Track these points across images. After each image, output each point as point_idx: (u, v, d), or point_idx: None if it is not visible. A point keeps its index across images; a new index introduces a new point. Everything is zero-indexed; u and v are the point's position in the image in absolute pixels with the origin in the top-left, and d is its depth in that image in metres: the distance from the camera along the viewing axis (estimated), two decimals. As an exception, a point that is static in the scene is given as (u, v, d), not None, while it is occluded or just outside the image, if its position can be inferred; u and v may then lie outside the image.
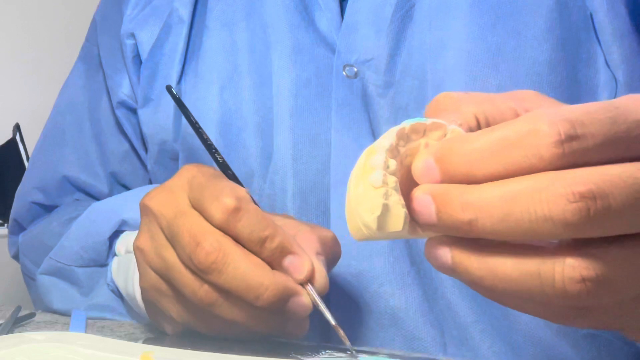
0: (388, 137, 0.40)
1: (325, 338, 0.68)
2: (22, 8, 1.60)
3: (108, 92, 0.81)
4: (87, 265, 0.72)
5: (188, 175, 0.55)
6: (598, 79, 0.65)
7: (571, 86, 0.65)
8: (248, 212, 0.52)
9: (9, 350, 0.51)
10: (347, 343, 0.53)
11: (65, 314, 0.72)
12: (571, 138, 0.35)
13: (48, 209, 0.84)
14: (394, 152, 0.39)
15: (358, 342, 0.66)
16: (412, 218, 0.39)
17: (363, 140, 0.67)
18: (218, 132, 0.72)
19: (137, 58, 0.78)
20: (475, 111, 0.41)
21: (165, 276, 0.55)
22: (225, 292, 0.52)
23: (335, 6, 0.70)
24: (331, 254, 0.58)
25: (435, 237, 0.39)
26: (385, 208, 0.38)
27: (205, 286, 0.52)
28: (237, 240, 0.52)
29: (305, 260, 0.53)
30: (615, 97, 0.64)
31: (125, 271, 0.67)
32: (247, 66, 0.72)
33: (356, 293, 0.66)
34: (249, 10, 0.74)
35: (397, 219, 0.39)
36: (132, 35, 0.77)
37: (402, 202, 0.39)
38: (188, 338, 0.57)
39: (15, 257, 0.85)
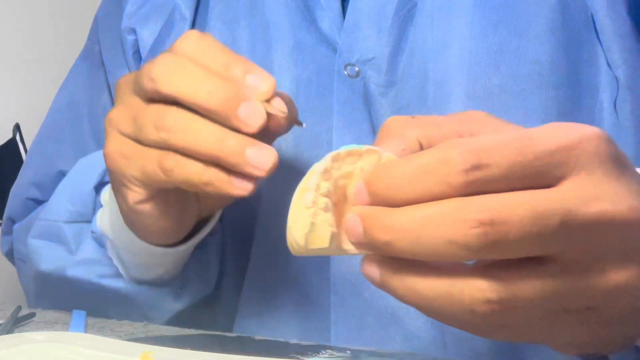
0: (324, 161, 0.43)
1: (325, 338, 0.68)
2: (22, 8, 1.60)
3: (109, 89, 0.81)
4: (74, 221, 0.71)
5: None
6: (599, 79, 0.65)
7: (572, 86, 0.65)
8: (210, 40, 0.55)
9: (9, 350, 0.52)
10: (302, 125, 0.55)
11: (52, 274, 0.71)
12: (476, 167, 0.38)
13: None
14: (327, 174, 0.43)
15: (358, 341, 0.66)
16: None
17: (364, 140, 0.67)
18: None
19: (138, 54, 0.78)
20: (419, 135, 0.45)
21: (130, 130, 0.55)
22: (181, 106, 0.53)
23: (337, 5, 0.70)
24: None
25: (368, 254, 0.42)
26: (313, 227, 0.42)
27: (165, 113, 0.53)
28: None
29: (269, 77, 0.54)
30: (616, 97, 0.64)
31: (109, 208, 0.67)
32: (248, 65, 0.72)
33: (356, 291, 0.66)
34: (250, 9, 0.73)
35: (323, 237, 0.42)
36: (133, 31, 0.77)
37: (331, 222, 0.43)
38: (188, 338, 0.57)
39: (8, 254, 0.84)
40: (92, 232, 0.70)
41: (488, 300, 0.39)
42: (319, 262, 0.67)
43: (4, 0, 1.59)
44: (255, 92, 0.53)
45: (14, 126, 1.81)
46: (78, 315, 0.64)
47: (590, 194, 0.40)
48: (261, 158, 0.51)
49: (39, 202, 0.81)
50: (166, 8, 0.76)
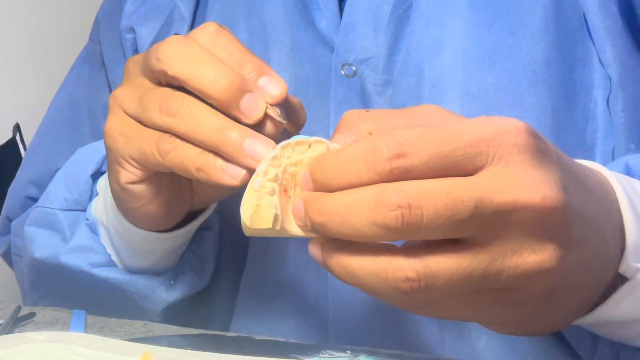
0: (275, 150, 0.48)
1: (323, 335, 0.68)
2: (22, 8, 1.60)
3: (110, 89, 0.81)
4: (70, 209, 0.72)
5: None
6: (593, 77, 0.65)
7: (567, 84, 0.65)
8: (228, 35, 0.55)
9: (9, 350, 0.52)
10: (292, 130, 0.55)
11: (46, 262, 0.71)
12: (398, 156, 0.42)
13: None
14: (276, 161, 0.48)
15: (357, 338, 0.66)
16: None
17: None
18: None
19: (136, 53, 0.78)
20: (370, 128, 0.48)
21: (134, 109, 0.55)
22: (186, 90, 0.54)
23: (334, 6, 0.70)
24: (296, 116, 0.58)
25: (314, 237, 0.46)
26: (258, 208, 0.47)
27: (171, 97, 0.53)
28: None
29: (282, 82, 0.54)
30: (609, 95, 0.64)
31: (104, 195, 0.67)
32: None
33: (354, 288, 0.66)
34: (248, 9, 0.74)
35: (266, 219, 0.47)
36: (132, 30, 0.77)
37: (275, 204, 0.47)
38: (188, 338, 0.58)
39: (4, 255, 0.84)
40: (87, 219, 0.70)
41: (407, 278, 0.42)
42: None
43: (4, 1, 1.59)
44: (265, 95, 0.54)
45: (14, 126, 1.80)
46: (78, 315, 0.64)
47: (505, 183, 0.42)
48: (259, 150, 0.52)
49: (37, 201, 0.81)
50: (165, 7, 0.76)
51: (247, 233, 0.48)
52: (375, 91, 0.68)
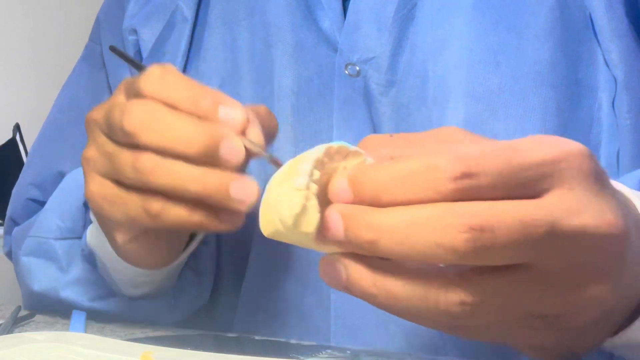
0: (317, 151, 0.43)
1: (324, 337, 0.68)
2: (22, 8, 1.60)
3: (110, 90, 0.81)
4: (65, 237, 0.71)
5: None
6: (598, 79, 0.65)
7: (572, 85, 0.65)
8: (175, 75, 0.53)
9: (9, 350, 0.51)
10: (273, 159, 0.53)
11: (45, 295, 0.71)
12: (465, 175, 0.39)
13: (44, 205, 0.83)
14: (319, 164, 0.43)
15: (358, 339, 0.66)
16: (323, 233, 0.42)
17: (364, 139, 0.67)
18: None
19: (139, 54, 0.77)
20: (392, 153, 0.45)
21: (109, 172, 0.54)
22: (161, 155, 0.52)
23: (337, 5, 0.70)
24: (266, 124, 0.56)
25: (332, 254, 0.43)
26: (304, 208, 0.42)
27: (142, 155, 0.52)
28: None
29: (237, 104, 0.53)
30: (615, 96, 0.64)
31: (97, 225, 0.66)
32: (248, 64, 0.72)
33: None
34: (250, 9, 0.73)
35: (312, 221, 0.42)
36: (134, 32, 0.77)
37: (319, 208, 0.42)
38: (188, 338, 0.57)
39: (9, 254, 0.84)
40: (82, 249, 0.70)
41: (462, 302, 0.40)
42: (318, 260, 0.67)
43: (4, 0, 1.59)
44: (230, 124, 0.52)
45: (14, 126, 1.81)
46: (78, 315, 0.64)
47: (573, 208, 0.41)
48: (245, 192, 0.50)
49: (39, 203, 0.81)
50: (168, 8, 0.76)
51: (270, 234, 0.44)
52: (378, 91, 0.68)
